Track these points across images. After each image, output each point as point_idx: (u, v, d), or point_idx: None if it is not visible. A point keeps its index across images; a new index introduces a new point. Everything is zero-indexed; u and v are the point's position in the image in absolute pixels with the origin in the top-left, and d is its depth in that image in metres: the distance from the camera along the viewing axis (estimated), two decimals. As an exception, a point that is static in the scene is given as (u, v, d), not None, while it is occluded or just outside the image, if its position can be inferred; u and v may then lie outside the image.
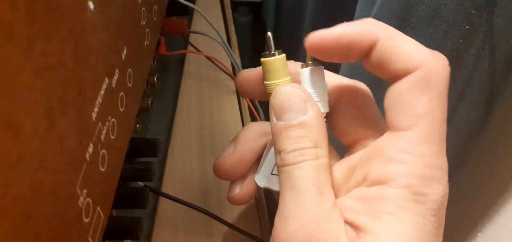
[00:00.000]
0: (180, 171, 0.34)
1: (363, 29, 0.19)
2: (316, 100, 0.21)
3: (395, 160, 0.18)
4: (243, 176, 0.26)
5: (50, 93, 0.14)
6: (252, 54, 1.04)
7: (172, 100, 0.39)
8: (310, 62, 0.21)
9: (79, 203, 0.16)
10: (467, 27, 0.28)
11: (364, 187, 0.19)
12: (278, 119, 0.20)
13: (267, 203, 0.33)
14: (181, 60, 0.44)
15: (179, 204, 0.29)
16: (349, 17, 0.42)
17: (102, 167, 0.19)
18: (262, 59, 0.21)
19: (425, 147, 0.18)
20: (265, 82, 0.22)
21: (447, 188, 0.18)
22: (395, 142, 0.19)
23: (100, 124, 0.18)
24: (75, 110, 0.16)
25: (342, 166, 0.22)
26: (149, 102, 0.29)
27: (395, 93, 0.19)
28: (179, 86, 0.41)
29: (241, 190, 0.26)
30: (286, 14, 0.89)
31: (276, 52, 0.21)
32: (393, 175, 0.18)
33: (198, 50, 0.41)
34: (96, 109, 0.18)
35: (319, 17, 0.67)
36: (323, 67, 0.22)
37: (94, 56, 0.17)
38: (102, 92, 0.18)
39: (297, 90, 0.20)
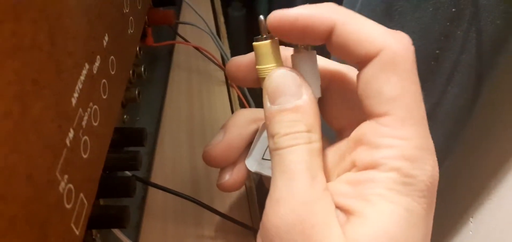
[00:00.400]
0: (169, 162, 0.34)
1: (319, 13, 0.19)
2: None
3: (381, 146, 0.18)
4: (233, 163, 0.26)
5: (23, 75, 0.14)
6: (246, 49, 1.03)
7: (161, 91, 0.39)
8: (302, 46, 0.21)
9: (60, 188, 0.16)
10: (453, 9, 0.28)
11: (353, 172, 0.19)
12: (272, 103, 0.20)
13: (257, 192, 0.33)
14: (170, 51, 0.44)
15: (168, 194, 0.28)
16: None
17: (84, 153, 0.18)
18: (254, 43, 0.21)
19: (407, 129, 0.18)
20: (257, 67, 0.21)
21: (437, 168, 0.18)
22: (377, 128, 0.18)
23: (80, 110, 0.18)
24: (52, 94, 0.15)
25: (332, 151, 0.22)
26: (136, 92, 0.29)
27: (364, 81, 0.19)
28: (167, 77, 0.41)
29: (231, 176, 0.26)
30: (279, 8, 0.89)
31: (269, 36, 0.21)
32: (380, 160, 0.18)
33: (187, 41, 0.40)
34: (76, 95, 0.18)
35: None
36: (315, 52, 0.21)
37: (72, 40, 0.17)
38: (82, 77, 0.18)
39: (292, 73, 0.20)
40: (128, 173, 0.27)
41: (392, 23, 0.32)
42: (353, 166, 0.20)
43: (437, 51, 0.31)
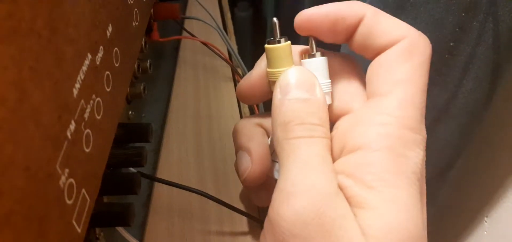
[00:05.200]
0: (175, 159, 0.33)
1: (350, 6, 0.20)
2: None
3: (374, 122, 0.18)
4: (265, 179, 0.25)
5: (20, 61, 0.13)
6: (252, 49, 1.02)
7: (167, 87, 0.38)
8: (313, 53, 0.21)
9: (60, 183, 0.15)
10: (469, -1, 0.27)
11: (343, 157, 0.19)
12: (285, 95, 0.19)
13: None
14: (176, 47, 0.43)
15: (174, 192, 0.28)
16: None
17: (87, 147, 0.18)
18: (266, 46, 0.21)
19: (404, 110, 0.18)
20: (268, 69, 0.21)
21: (425, 157, 0.18)
22: (374, 106, 0.18)
23: (83, 101, 0.17)
24: (52, 83, 0.15)
25: None
26: (142, 87, 0.29)
27: (377, 63, 0.19)
28: (174, 73, 0.40)
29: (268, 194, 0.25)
30: (286, 9, 0.88)
31: (282, 39, 0.21)
32: (371, 137, 0.18)
33: (194, 36, 0.40)
34: (77, 86, 0.17)
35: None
36: (326, 58, 0.21)
37: (74, 28, 0.16)
38: (84, 67, 0.17)
39: (308, 72, 0.20)
40: (132, 169, 0.26)
41: (404, 14, 0.31)
42: (342, 150, 0.19)
43: (452, 44, 0.30)
